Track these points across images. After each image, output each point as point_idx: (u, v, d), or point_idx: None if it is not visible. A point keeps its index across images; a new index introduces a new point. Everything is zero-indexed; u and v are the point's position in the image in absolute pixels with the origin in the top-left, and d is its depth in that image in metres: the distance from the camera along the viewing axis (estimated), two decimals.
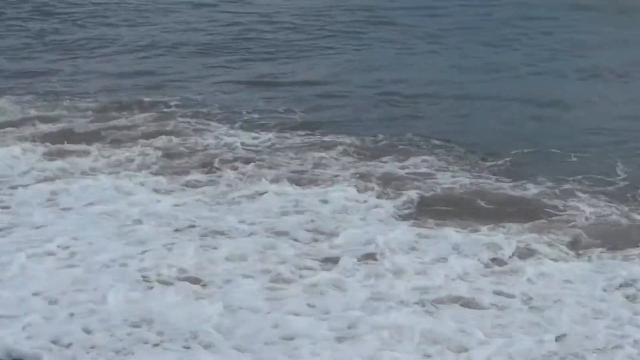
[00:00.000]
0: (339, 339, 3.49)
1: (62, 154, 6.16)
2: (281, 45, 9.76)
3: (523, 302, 4.00)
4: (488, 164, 6.11)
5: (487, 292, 4.14)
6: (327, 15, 10.82)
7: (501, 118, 7.44)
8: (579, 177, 5.75)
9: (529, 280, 4.30)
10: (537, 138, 6.60)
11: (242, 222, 4.93)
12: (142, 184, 5.61)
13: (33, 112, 7.28)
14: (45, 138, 6.50)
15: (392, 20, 10.48)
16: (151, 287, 3.98)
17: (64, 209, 5.11)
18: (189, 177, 5.76)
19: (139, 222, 4.92)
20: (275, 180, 5.78)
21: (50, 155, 6.13)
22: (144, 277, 4.10)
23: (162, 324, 3.53)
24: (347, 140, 6.76)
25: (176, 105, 7.76)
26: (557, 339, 3.56)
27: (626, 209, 5.31)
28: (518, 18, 10.52)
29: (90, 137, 6.51)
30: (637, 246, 4.75)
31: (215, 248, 4.54)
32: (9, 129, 6.79)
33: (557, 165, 6.01)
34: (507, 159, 6.13)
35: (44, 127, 6.75)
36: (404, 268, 4.39)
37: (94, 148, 6.30)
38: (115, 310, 3.68)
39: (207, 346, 3.38)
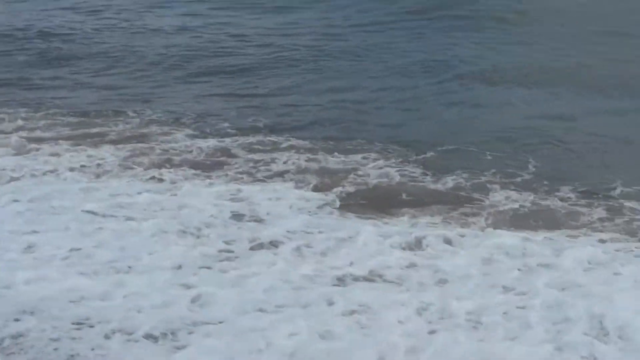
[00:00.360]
0: None
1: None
2: (251, 62, 10.55)
3: (430, 278, 4.51)
4: (416, 160, 6.72)
5: (395, 269, 4.71)
6: (291, 34, 11.74)
7: (431, 120, 8.16)
8: (493, 170, 6.34)
9: (438, 257, 4.86)
10: (459, 137, 7.23)
11: (184, 207, 5.59)
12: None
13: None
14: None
15: (345, 37, 11.37)
16: None
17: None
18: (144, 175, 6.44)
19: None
20: (225, 175, 6.47)
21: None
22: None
23: None
24: (300, 142, 7.41)
25: (154, 115, 8.49)
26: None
27: (534, 197, 5.89)
28: (452, 29, 11.39)
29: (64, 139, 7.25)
30: (540, 229, 5.31)
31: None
32: None
33: (475, 161, 6.61)
34: (433, 155, 6.77)
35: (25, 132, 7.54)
36: (321, 250, 4.95)
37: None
38: None
39: None
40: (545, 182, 6.08)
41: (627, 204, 5.56)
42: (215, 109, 8.92)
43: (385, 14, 13.17)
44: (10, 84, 10.04)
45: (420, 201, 5.90)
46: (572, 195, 5.79)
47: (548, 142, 7.11)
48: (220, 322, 3.92)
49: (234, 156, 7.05)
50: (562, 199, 5.77)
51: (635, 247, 4.88)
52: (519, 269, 4.59)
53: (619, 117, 8.05)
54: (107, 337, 3.75)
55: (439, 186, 6.18)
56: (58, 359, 3.58)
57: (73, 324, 3.86)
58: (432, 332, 3.82)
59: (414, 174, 6.44)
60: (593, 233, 5.17)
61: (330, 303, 4.14)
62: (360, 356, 3.59)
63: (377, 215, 5.61)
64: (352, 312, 4.01)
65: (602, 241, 5.00)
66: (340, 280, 4.46)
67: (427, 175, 6.40)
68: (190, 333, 3.81)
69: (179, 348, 3.67)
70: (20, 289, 4.27)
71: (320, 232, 5.24)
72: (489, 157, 6.67)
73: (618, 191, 5.79)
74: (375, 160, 6.80)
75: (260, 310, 4.05)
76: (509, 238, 5.07)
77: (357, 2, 13.39)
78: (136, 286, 4.33)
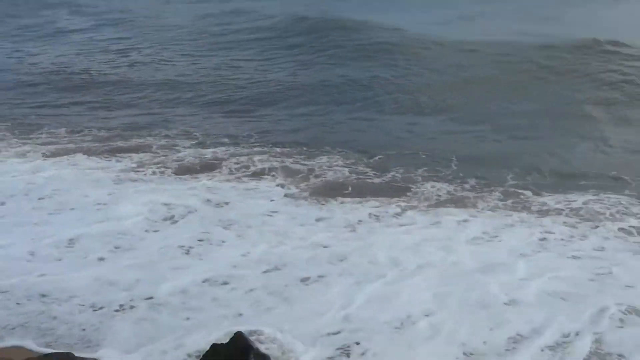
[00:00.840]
0: None
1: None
2: (243, 94, 12.68)
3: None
4: (365, 162, 8.29)
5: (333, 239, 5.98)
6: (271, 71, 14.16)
7: (379, 129, 10.00)
8: (424, 168, 7.88)
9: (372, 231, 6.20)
10: (398, 144, 8.95)
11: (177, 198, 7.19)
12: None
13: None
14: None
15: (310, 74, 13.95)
16: None
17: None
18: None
19: None
20: (210, 171, 8.14)
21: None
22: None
23: None
24: (277, 149, 9.07)
25: (168, 131, 10.29)
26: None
27: (454, 187, 7.33)
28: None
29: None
30: (452, 208, 6.72)
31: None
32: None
33: (409, 162, 8.16)
34: (378, 158, 8.41)
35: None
36: (280, 230, 6.24)
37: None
38: None
39: None
40: (461, 175, 7.60)
41: (517, 190, 7.05)
42: (214, 126, 10.73)
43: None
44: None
45: (363, 191, 7.37)
46: (476, 184, 7.30)
47: (465, 146, 8.86)
48: None
49: (223, 159, 8.67)
50: (471, 188, 7.25)
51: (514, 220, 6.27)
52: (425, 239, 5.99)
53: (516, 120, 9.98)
54: None
55: (379, 180, 7.70)
56: None
57: None
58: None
59: (361, 172, 7.99)
60: (489, 211, 6.59)
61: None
62: None
63: (327, 201, 7.06)
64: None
65: (492, 217, 6.43)
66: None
67: (371, 172, 7.95)
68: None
69: None
70: None
71: (277, 214, 6.72)
72: (421, 158, 8.28)
73: (510, 182, 7.34)
74: (334, 162, 8.37)
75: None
76: (424, 216, 6.52)
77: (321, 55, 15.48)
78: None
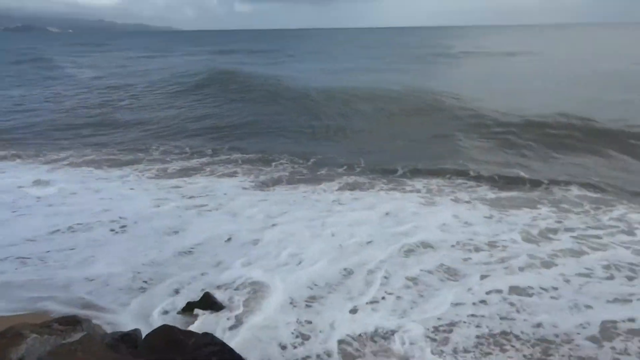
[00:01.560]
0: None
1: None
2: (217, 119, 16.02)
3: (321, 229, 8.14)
4: (304, 164, 11.20)
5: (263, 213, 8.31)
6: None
7: (316, 140, 13.24)
8: (344, 167, 10.84)
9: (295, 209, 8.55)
10: (328, 149, 12.24)
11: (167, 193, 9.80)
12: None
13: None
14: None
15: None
16: None
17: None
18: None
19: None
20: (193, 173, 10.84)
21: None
22: None
23: None
24: (246, 156, 12.01)
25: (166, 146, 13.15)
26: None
27: (369, 180, 10.11)
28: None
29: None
30: (354, 191, 9.32)
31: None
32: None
33: (335, 162, 11.22)
34: (315, 159, 11.41)
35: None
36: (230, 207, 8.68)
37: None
38: None
39: None
40: (366, 169, 10.69)
41: (404, 179, 10.11)
42: (202, 142, 13.69)
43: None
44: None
45: (298, 181, 10.17)
46: (369, 176, 10.29)
47: (375, 146, 12.14)
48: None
49: (205, 164, 11.55)
50: (369, 177, 10.22)
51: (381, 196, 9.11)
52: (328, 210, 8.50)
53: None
54: None
55: (311, 175, 10.54)
56: None
57: None
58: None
59: (301, 169, 10.89)
60: (378, 192, 9.37)
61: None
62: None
63: (271, 190, 9.72)
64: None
65: (375, 194, 9.24)
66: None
67: (307, 169, 10.89)
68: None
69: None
70: None
71: (232, 199, 9.16)
72: (343, 159, 11.35)
73: (400, 172, 10.42)
74: (281, 164, 11.30)
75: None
76: (337, 195, 9.23)
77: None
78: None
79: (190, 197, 9.07)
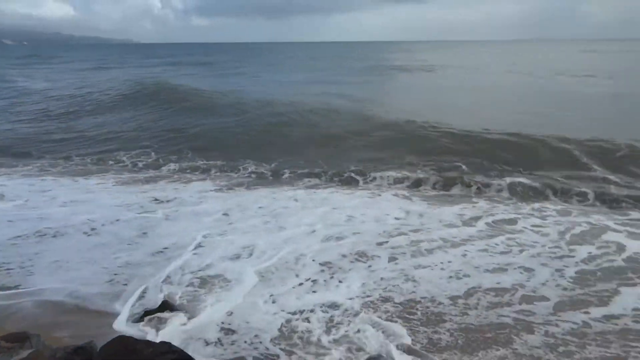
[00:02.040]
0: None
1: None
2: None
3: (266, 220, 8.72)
4: (266, 167, 12.03)
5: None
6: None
7: (278, 147, 13.85)
8: (294, 167, 11.66)
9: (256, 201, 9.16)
10: (282, 154, 12.98)
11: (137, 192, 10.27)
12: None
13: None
14: None
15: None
16: None
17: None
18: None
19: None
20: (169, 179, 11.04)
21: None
22: None
23: None
24: (210, 161, 12.59)
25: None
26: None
27: (323, 182, 10.86)
28: None
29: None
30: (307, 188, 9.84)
31: None
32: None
33: (288, 164, 12.06)
34: (274, 164, 12.22)
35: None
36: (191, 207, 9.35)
37: None
38: None
39: None
40: (319, 172, 11.46)
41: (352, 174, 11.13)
42: (168, 146, 13.51)
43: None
44: None
45: (259, 183, 11.00)
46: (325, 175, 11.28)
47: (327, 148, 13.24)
48: None
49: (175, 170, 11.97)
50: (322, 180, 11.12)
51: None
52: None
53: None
54: None
55: (271, 176, 11.46)
56: None
57: None
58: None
59: (262, 173, 11.69)
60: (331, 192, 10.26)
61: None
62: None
63: (238, 192, 10.39)
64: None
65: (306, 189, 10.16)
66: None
67: (268, 172, 11.67)
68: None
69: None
70: None
71: (201, 201, 9.73)
72: (301, 161, 12.25)
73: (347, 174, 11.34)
74: (245, 167, 12.07)
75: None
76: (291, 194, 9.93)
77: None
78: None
79: (157, 202, 9.33)
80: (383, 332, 4.86)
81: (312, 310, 5.27)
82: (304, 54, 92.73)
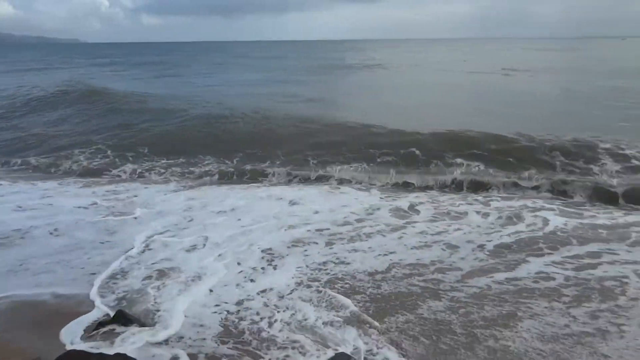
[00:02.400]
0: None
1: None
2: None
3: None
4: (227, 164, 11.82)
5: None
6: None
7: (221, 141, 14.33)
8: (247, 165, 11.88)
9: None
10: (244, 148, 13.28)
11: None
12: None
13: None
14: None
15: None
16: None
17: None
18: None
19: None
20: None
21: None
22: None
23: None
24: (169, 161, 12.79)
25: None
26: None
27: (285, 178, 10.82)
28: None
29: None
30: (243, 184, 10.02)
31: None
32: None
33: (237, 164, 12.36)
34: (237, 160, 12.56)
35: None
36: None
37: None
38: None
39: None
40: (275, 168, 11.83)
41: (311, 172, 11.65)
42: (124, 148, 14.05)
43: None
44: None
45: (218, 181, 11.49)
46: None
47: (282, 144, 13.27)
48: None
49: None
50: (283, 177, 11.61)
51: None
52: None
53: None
54: None
55: (233, 174, 11.82)
56: None
57: None
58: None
59: (226, 168, 12.09)
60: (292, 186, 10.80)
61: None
62: None
63: (198, 190, 10.76)
64: None
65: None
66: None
67: (233, 170, 11.67)
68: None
69: None
70: None
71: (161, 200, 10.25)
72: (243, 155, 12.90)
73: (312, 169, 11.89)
74: (205, 164, 12.39)
75: None
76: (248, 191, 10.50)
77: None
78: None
79: (113, 201, 9.47)
80: (315, 307, 5.36)
81: (251, 298, 5.58)
82: (257, 53, 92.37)
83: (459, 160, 11.85)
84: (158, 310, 5.27)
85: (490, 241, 7.22)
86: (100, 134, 15.85)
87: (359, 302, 5.44)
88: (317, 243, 7.20)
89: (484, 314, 5.23)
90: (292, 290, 5.73)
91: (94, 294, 5.66)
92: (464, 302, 5.47)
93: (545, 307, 5.32)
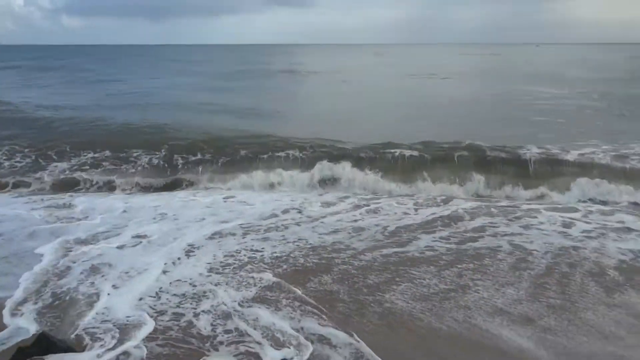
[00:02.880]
0: None
1: None
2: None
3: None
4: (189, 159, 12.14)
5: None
6: None
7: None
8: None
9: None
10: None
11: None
12: None
13: None
14: None
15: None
16: None
17: None
18: None
19: None
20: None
21: None
22: None
23: None
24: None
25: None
26: None
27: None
28: None
29: None
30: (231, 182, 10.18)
31: None
32: None
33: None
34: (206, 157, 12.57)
35: None
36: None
37: None
38: None
39: None
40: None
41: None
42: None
43: None
44: None
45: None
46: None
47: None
48: None
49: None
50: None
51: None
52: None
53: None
54: None
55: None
56: None
57: None
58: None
59: (188, 164, 12.12)
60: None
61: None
62: None
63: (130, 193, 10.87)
64: None
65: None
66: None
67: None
68: None
69: None
70: None
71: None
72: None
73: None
74: (138, 158, 12.37)
75: None
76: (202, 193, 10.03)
77: None
78: None
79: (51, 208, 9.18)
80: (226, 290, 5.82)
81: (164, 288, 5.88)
82: (186, 57, 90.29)
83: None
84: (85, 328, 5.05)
85: (393, 223, 8.14)
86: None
87: (257, 283, 5.93)
88: (234, 235, 7.71)
89: (367, 282, 6.01)
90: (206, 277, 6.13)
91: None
92: (351, 273, 6.30)
93: (421, 272, 6.22)
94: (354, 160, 12.17)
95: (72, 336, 4.81)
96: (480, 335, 4.92)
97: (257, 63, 64.24)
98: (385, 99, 25.77)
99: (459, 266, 6.42)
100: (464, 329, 5.03)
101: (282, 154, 12.53)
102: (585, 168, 11.45)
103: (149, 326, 5.04)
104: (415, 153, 12.45)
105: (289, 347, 4.71)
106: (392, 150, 12.51)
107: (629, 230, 7.86)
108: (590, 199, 10.40)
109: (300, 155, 12.56)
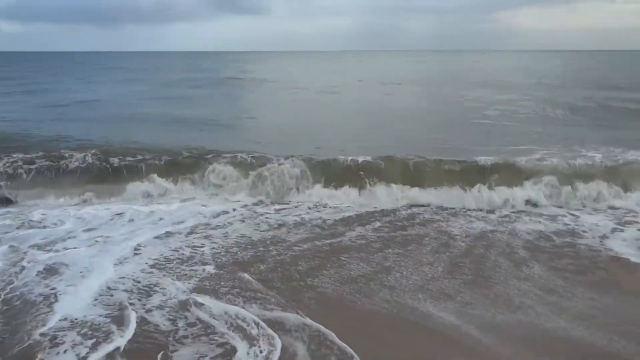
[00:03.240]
0: None
1: None
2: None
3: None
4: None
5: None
6: None
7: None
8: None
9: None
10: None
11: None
12: None
13: None
14: None
15: None
16: None
17: None
18: None
19: None
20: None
21: None
22: None
23: None
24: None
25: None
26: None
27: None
28: None
29: None
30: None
31: None
32: None
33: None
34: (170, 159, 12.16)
35: None
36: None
37: None
38: None
39: None
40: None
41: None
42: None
43: None
44: None
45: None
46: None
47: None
48: None
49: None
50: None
51: None
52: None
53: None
54: None
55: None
56: None
57: None
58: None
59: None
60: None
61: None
62: None
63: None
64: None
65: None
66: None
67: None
68: None
69: None
70: None
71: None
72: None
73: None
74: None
75: None
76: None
77: None
78: None
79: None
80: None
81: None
82: (134, 65, 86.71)
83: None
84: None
85: (327, 220, 8.67)
86: None
87: (202, 274, 6.36)
88: (179, 233, 8.08)
89: (297, 268, 6.58)
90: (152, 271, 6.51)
91: None
92: (284, 262, 6.75)
93: (350, 258, 6.76)
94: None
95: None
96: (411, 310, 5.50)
97: (205, 71, 61.60)
98: (325, 106, 24.27)
99: (385, 251, 7.05)
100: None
101: None
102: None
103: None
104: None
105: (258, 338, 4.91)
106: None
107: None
108: None
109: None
